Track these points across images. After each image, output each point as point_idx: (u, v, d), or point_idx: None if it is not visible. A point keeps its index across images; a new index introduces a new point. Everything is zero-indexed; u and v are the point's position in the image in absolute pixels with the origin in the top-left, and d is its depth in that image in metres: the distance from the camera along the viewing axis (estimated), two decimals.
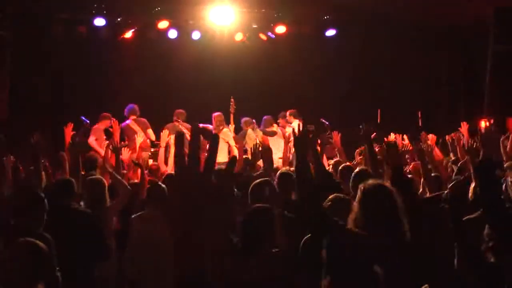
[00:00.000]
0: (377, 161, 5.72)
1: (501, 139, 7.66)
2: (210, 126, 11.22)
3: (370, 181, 3.98)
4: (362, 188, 3.94)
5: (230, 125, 11.83)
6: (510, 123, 12.57)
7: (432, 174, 6.49)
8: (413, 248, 3.93)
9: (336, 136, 9.24)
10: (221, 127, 11.30)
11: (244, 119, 12.22)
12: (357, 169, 5.60)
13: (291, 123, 11.92)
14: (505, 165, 6.55)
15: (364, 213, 3.87)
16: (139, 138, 10.20)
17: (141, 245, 5.54)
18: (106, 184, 6.27)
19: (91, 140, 10.91)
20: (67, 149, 8.23)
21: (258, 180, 5.30)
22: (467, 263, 4.52)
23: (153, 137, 11.37)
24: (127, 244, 5.86)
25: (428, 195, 5.78)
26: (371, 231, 3.59)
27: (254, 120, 12.18)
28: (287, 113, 12.30)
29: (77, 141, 9.39)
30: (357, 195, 4.00)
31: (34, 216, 4.71)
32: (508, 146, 7.97)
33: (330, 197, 4.41)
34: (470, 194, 5.34)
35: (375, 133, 6.73)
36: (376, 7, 13.25)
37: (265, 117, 12.24)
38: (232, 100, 11.90)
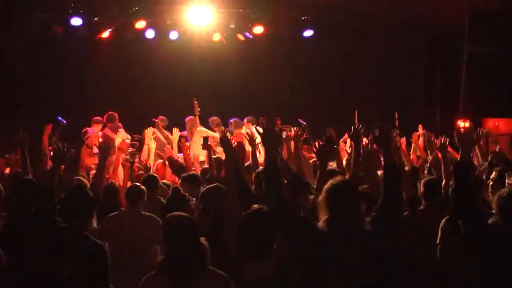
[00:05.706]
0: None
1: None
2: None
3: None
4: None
5: (197, 126, 11.79)
6: (486, 123, 12.74)
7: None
8: None
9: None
10: (193, 129, 11.65)
11: (211, 119, 12.17)
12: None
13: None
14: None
15: None
16: (118, 139, 10.04)
17: (112, 244, 5.41)
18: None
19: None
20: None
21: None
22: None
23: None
24: None
25: None
26: None
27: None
28: (245, 120, 12.31)
29: (54, 141, 9.37)
30: None
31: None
32: (482, 142, 8.11)
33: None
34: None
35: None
36: (353, 8, 13.33)
37: (233, 119, 12.22)
38: (195, 102, 11.85)
